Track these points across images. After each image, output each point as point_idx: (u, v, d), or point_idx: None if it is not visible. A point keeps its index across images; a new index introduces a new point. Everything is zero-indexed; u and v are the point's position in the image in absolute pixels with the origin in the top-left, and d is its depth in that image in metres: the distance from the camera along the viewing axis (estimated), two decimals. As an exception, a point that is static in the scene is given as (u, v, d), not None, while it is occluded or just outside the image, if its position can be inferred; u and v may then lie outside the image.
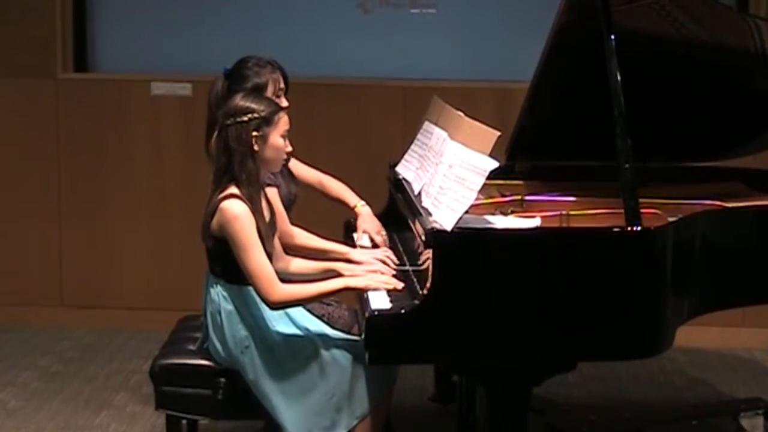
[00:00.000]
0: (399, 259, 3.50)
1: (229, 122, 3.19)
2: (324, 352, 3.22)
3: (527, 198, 3.69)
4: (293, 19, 5.36)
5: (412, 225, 3.34)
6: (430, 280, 2.93)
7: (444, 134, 3.39)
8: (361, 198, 3.92)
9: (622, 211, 3.02)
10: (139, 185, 5.37)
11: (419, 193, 3.44)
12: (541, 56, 3.55)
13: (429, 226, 3.05)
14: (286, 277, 3.31)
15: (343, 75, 5.32)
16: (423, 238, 3.11)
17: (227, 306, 3.25)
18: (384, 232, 3.78)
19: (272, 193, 3.48)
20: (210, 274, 3.31)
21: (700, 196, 3.60)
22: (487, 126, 3.14)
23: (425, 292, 2.95)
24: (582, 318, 2.98)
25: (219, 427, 4.11)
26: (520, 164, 3.98)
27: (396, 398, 3.50)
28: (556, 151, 3.89)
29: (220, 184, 3.20)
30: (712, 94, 3.78)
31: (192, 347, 3.43)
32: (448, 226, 3.00)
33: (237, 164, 3.18)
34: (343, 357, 3.23)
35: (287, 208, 3.65)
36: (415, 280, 3.25)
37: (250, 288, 3.18)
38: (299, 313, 3.29)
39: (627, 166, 3.04)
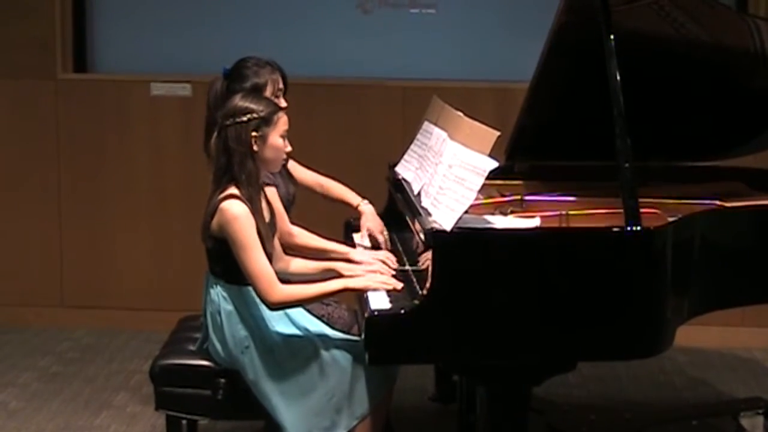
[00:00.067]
0: (399, 259, 3.51)
1: (228, 123, 3.19)
2: (324, 353, 3.22)
3: (527, 198, 3.70)
4: (293, 20, 5.36)
5: (411, 225, 3.34)
6: (429, 280, 2.93)
7: (443, 134, 3.39)
8: (361, 197, 3.93)
9: (622, 211, 3.02)
10: (139, 185, 5.37)
11: (419, 193, 3.44)
12: (540, 56, 3.55)
13: (428, 226, 3.05)
14: (285, 277, 3.31)
15: (342, 75, 5.32)
16: (423, 238, 3.12)
17: (227, 306, 3.25)
18: (386, 232, 3.78)
19: (271, 192, 3.48)
20: (210, 275, 3.31)
21: (699, 195, 3.60)
22: (486, 126, 3.14)
23: (425, 292, 2.95)
24: (582, 318, 2.98)
25: (219, 427, 4.11)
26: (520, 164, 3.98)
27: (396, 398, 3.50)
28: (556, 151, 3.89)
29: (219, 185, 3.20)
30: (711, 93, 3.78)
31: (192, 347, 3.43)
32: (448, 226, 3.00)
33: (236, 164, 3.18)
34: (342, 357, 3.23)
35: (286, 208, 3.65)
36: (414, 280, 3.25)
37: (250, 288, 3.18)
38: (299, 314, 3.29)
39: (626, 165, 3.04)
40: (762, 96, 3.80)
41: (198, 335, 3.44)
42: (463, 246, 2.95)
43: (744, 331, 5.20)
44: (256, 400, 3.23)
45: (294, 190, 3.83)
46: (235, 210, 3.13)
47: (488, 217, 3.40)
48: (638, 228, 2.97)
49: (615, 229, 3.02)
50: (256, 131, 3.19)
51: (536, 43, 3.57)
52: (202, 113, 3.66)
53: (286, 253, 3.48)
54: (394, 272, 3.31)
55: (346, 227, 4.01)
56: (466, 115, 3.30)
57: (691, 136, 3.88)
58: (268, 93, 3.59)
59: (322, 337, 3.26)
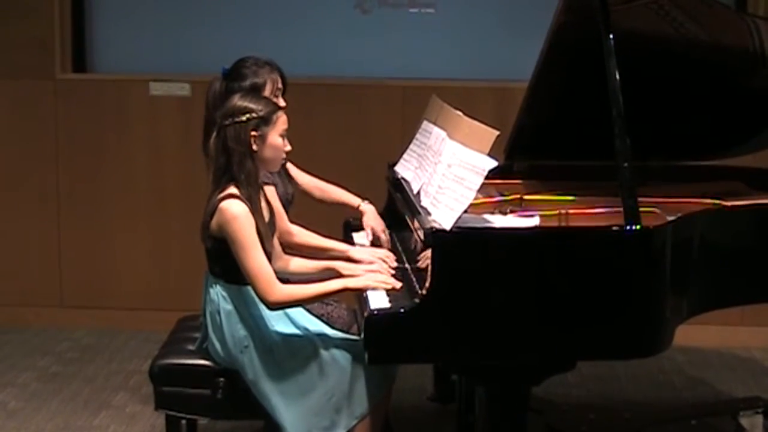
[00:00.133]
0: (398, 258, 3.51)
1: (227, 122, 3.19)
2: (323, 352, 3.22)
3: (526, 197, 3.70)
4: (292, 20, 5.36)
5: (411, 224, 3.34)
6: (429, 279, 2.93)
7: (443, 133, 3.39)
8: (362, 196, 3.93)
9: (621, 210, 3.02)
10: (138, 185, 5.37)
11: (418, 193, 3.44)
12: (539, 56, 3.55)
13: (428, 226, 3.05)
14: (285, 277, 3.31)
15: (342, 75, 5.32)
16: (422, 237, 3.12)
17: (226, 306, 3.25)
18: (387, 231, 3.78)
19: (270, 191, 3.48)
20: (209, 274, 3.31)
21: (699, 195, 3.60)
22: (485, 125, 3.14)
23: (424, 291, 2.95)
24: (581, 317, 2.98)
25: (218, 427, 4.11)
26: (519, 163, 3.98)
27: (395, 398, 3.50)
28: (555, 150, 3.89)
29: (219, 185, 3.20)
30: (710, 93, 3.78)
31: (191, 347, 3.43)
32: (447, 226, 3.00)
33: (236, 164, 3.18)
34: (342, 357, 3.23)
35: (285, 207, 3.65)
36: (414, 279, 3.25)
37: (250, 288, 3.18)
38: (298, 313, 3.29)
39: (626, 165, 3.04)
40: (761, 95, 3.81)
41: (197, 335, 3.44)
42: (462, 245, 2.95)
43: (743, 331, 5.20)
44: (256, 399, 3.23)
45: (293, 190, 3.83)
46: (234, 209, 3.13)
47: (488, 217, 3.40)
48: (637, 227, 2.97)
49: (614, 229, 3.02)
50: (256, 131, 3.19)
51: (535, 43, 3.57)
52: (201, 113, 3.66)
53: (286, 252, 3.49)
54: (393, 271, 3.31)
55: (345, 227, 4.01)
56: (465, 114, 3.30)
57: (690, 136, 3.88)
58: (267, 92, 3.59)
59: (322, 336, 3.26)
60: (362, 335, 2.97)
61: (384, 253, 3.52)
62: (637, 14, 3.44)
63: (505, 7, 5.32)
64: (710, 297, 3.38)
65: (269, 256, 3.19)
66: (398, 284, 3.17)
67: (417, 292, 3.08)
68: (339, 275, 3.27)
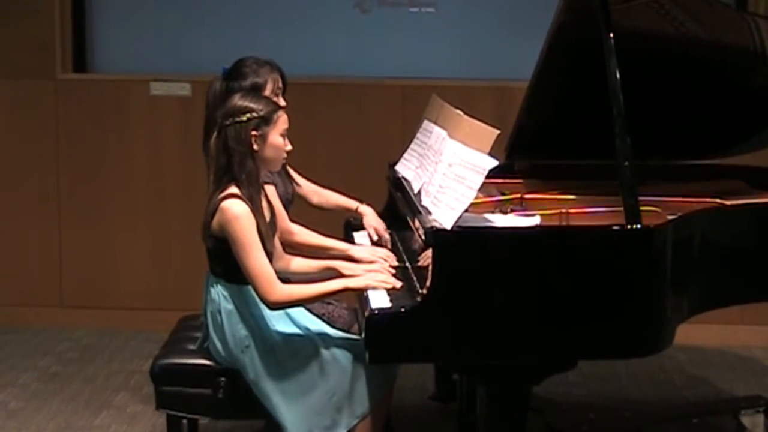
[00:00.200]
0: (399, 257, 3.51)
1: (228, 122, 3.19)
2: (324, 352, 3.22)
3: (527, 196, 3.70)
4: (292, 19, 5.36)
5: (411, 224, 3.34)
6: (429, 278, 2.93)
7: (443, 133, 3.39)
8: (359, 199, 3.94)
9: (622, 209, 3.02)
10: (139, 185, 5.37)
11: (419, 192, 3.44)
12: (539, 55, 3.55)
13: (429, 225, 3.05)
14: (286, 276, 3.31)
15: (342, 74, 5.32)
16: (423, 236, 3.12)
17: (227, 305, 3.25)
18: (387, 231, 3.78)
19: (271, 191, 3.48)
20: (210, 274, 3.31)
21: (699, 194, 3.60)
22: (486, 124, 3.14)
23: (425, 290, 2.95)
24: (581, 316, 2.98)
25: (219, 426, 4.11)
26: (520, 163, 3.98)
27: (396, 397, 3.50)
28: (556, 149, 3.89)
29: (220, 184, 3.20)
30: (711, 92, 3.78)
31: (192, 347, 3.43)
32: (448, 225, 3.00)
33: (237, 164, 3.18)
34: (343, 356, 3.23)
35: (285, 206, 3.65)
36: (415, 278, 3.25)
37: (251, 288, 3.18)
38: (299, 313, 3.29)
39: (626, 164, 3.04)
40: (761, 94, 3.81)
41: (198, 335, 3.44)
42: (463, 244, 2.95)
43: (743, 330, 5.20)
44: (257, 399, 3.23)
45: (292, 189, 3.83)
46: (235, 209, 3.13)
47: (488, 216, 3.40)
48: (638, 226, 2.97)
49: (615, 228, 3.02)
50: (256, 130, 3.19)
51: (535, 42, 3.57)
52: (202, 113, 3.66)
53: (286, 251, 3.48)
54: (394, 271, 3.31)
55: (346, 226, 4.01)
56: (465, 113, 3.30)
57: (691, 135, 3.88)
58: (267, 92, 3.59)
59: (323, 336, 3.26)
60: (363, 335, 2.97)
61: (384, 252, 3.53)
62: (637, 13, 3.44)
63: (505, 6, 5.32)
64: (711, 296, 3.38)
65: (270, 256, 3.19)
66: (399, 284, 3.17)
67: (418, 292, 3.08)
68: (340, 275, 3.27)
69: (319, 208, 3.97)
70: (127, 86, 5.33)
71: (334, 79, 5.29)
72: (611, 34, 3.14)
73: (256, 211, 3.17)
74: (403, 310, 2.95)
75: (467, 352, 2.97)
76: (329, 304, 3.45)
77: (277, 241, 3.38)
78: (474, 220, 3.24)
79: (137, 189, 5.37)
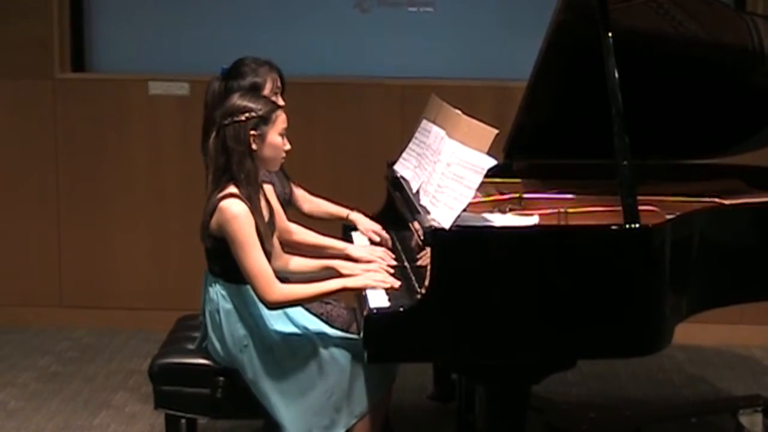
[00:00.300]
0: (397, 257, 3.51)
1: (226, 122, 3.19)
2: (323, 351, 3.22)
3: (525, 196, 3.70)
4: (292, 19, 5.36)
5: (410, 223, 3.33)
6: (428, 278, 2.93)
7: (442, 132, 3.39)
8: (358, 199, 3.94)
9: (620, 208, 3.02)
10: (138, 185, 5.37)
11: (417, 192, 3.44)
12: (538, 54, 3.55)
13: (427, 225, 3.05)
14: (285, 276, 3.31)
15: (341, 74, 5.32)
16: (421, 236, 3.11)
17: (226, 305, 3.25)
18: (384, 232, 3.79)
19: (269, 190, 3.48)
20: (209, 274, 3.31)
21: (698, 193, 3.60)
22: (484, 124, 3.14)
23: (424, 290, 2.95)
24: (581, 316, 2.98)
25: (218, 426, 4.11)
26: (518, 162, 3.98)
27: (395, 397, 3.50)
28: (554, 149, 3.89)
29: (218, 184, 3.20)
30: (709, 91, 3.78)
31: (191, 346, 3.43)
32: (447, 225, 3.00)
33: (235, 164, 3.18)
34: (341, 356, 3.23)
35: (283, 205, 3.65)
36: (413, 278, 3.25)
37: (249, 287, 3.18)
38: (298, 312, 3.29)
39: (625, 164, 3.04)
40: (760, 94, 3.81)
41: (197, 334, 3.44)
42: (461, 244, 2.95)
43: (743, 329, 5.20)
44: (255, 398, 3.23)
45: (290, 189, 3.83)
46: (234, 209, 3.13)
47: (487, 215, 3.40)
48: (637, 226, 2.97)
49: (614, 227, 3.02)
50: (255, 130, 3.19)
51: (535, 42, 3.57)
52: (201, 113, 3.66)
53: (284, 250, 3.48)
54: (392, 270, 3.31)
55: (344, 226, 4.00)
56: (464, 113, 3.30)
57: (690, 134, 3.88)
58: (266, 91, 3.60)
59: (321, 335, 3.26)
60: (362, 334, 2.97)
61: (382, 251, 3.52)
62: (636, 13, 3.44)
63: (504, 5, 5.33)
64: (709, 295, 3.38)
65: (269, 256, 3.19)
66: (397, 283, 3.17)
67: (416, 291, 3.09)
68: (338, 274, 3.27)
69: (310, 217, 3.96)
70: (126, 86, 5.33)
71: (334, 78, 5.29)
72: (610, 34, 3.14)
73: (255, 210, 3.17)
74: (401, 309, 2.95)
75: (466, 351, 2.97)
76: (328, 303, 3.45)
77: (275, 241, 3.38)
78: (472, 220, 3.24)
79: (136, 189, 5.37)
